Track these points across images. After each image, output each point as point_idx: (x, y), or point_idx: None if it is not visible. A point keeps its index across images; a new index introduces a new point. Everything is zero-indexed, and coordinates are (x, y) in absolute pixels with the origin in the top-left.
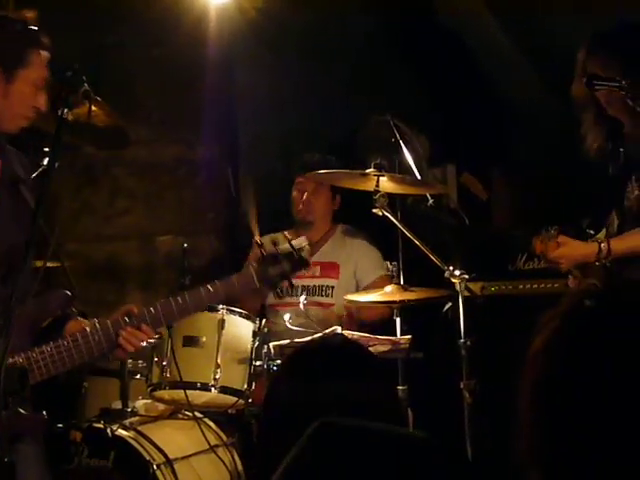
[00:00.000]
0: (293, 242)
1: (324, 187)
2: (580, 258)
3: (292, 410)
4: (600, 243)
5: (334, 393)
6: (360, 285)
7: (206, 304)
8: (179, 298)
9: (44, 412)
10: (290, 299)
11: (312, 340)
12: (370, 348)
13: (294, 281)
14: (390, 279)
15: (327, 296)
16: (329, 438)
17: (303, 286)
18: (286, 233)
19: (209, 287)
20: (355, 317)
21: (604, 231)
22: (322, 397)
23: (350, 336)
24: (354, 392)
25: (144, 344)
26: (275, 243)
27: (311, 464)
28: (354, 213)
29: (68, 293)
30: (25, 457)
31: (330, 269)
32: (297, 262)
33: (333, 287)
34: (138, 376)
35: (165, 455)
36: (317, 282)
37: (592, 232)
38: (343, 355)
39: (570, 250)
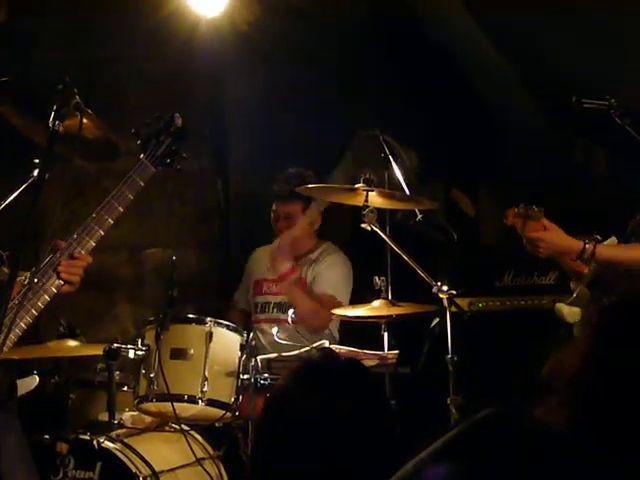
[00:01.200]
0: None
1: (300, 210)
2: (562, 249)
3: (296, 423)
4: (586, 243)
5: (339, 408)
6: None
7: (117, 207)
8: (93, 214)
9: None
10: (265, 315)
11: (313, 354)
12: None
13: (268, 298)
14: (337, 305)
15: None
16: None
17: (275, 303)
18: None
19: (114, 193)
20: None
21: (613, 239)
22: (327, 412)
23: (338, 350)
24: (359, 408)
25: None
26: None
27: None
28: (345, 228)
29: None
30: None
31: (300, 284)
32: (177, 132)
33: None
34: (125, 388)
35: (151, 468)
36: (286, 298)
37: (599, 237)
38: (345, 370)
39: (555, 237)
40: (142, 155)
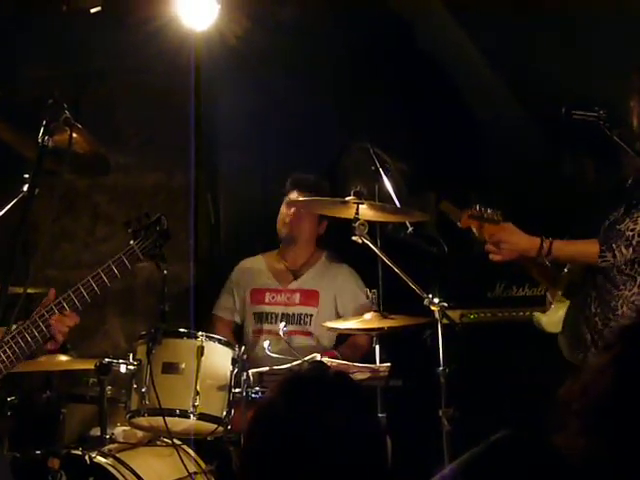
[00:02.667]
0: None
1: (308, 211)
2: (521, 250)
3: (282, 436)
4: (542, 240)
5: (327, 422)
6: (340, 315)
7: (106, 282)
8: (82, 282)
9: None
10: (269, 326)
11: (304, 367)
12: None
13: (273, 308)
14: (369, 307)
15: (305, 324)
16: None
17: (283, 313)
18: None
19: (104, 267)
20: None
21: None
22: (314, 425)
23: (330, 364)
24: (344, 421)
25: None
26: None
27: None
28: (337, 239)
29: None
30: None
31: (310, 297)
32: (162, 232)
33: (312, 315)
34: (117, 403)
35: None
36: (297, 310)
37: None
38: (334, 384)
39: (514, 238)
40: (132, 241)
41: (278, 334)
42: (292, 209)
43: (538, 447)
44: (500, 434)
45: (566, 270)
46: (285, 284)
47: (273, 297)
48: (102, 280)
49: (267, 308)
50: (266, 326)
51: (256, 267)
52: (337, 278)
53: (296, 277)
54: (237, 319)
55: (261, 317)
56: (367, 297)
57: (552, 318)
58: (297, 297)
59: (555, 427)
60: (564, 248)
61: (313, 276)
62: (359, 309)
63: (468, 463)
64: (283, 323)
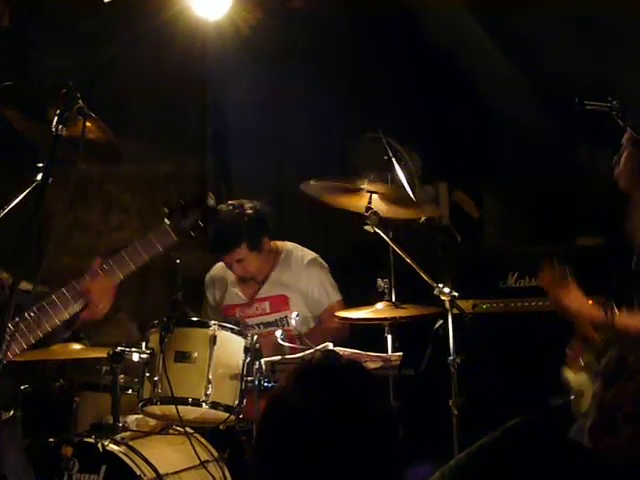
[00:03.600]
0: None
1: (247, 248)
2: (584, 317)
3: (295, 425)
4: (607, 312)
5: (339, 410)
6: (313, 315)
7: (131, 266)
8: (105, 266)
9: None
10: (262, 332)
11: (317, 356)
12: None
13: (248, 320)
14: (342, 305)
15: (284, 326)
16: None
17: (259, 323)
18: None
19: (128, 247)
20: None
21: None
22: (326, 414)
23: (342, 352)
24: (356, 410)
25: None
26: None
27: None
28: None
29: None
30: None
31: (279, 303)
32: (206, 210)
33: (286, 316)
34: (130, 391)
35: (156, 470)
36: (270, 318)
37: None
38: (347, 373)
39: (580, 305)
40: (166, 221)
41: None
42: (236, 267)
43: (552, 433)
44: (515, 420)
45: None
46: (252, 295)
47: (244, 310)
48: (126, 263)
49: (242, 321)
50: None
51: (224, 278)
52: (304, 278)
53: (260, 286)
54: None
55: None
56: (379, 287)
57: (581, 376)
58: (267, 306)
59: (602, 428)
60: (627, 321)
61: (277, 279)
62: (330, 310)
63: (484, 447)
64: (280, 331)
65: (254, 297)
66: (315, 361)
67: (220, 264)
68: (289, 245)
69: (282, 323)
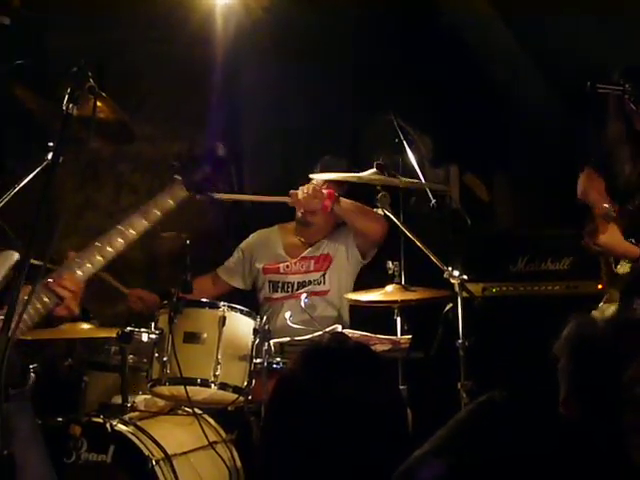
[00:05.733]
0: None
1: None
2: (621, 251)
3: (303, 406)
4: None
5: (346, 393)
6: (355, 270)
7: (145, 224)
8: (119, 226)
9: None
10: (286, 294)
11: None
12: (370, 347)
13: (288, 277)
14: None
15: (320, 284)
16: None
17: (299, 282)
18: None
19: (141, 208)
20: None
21: None
22: (334, 396)
23: (351, 335)
24: (366, 392)
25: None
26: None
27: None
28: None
29: (15, 254)
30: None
31: (324, 261)
32: (217, 161)
33: (324, 274)
34: (138, 371)
35: (164, 451)
36: (311, 277)
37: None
38: (354, 355)
39: (617, 240)
40: (177, 176)
41: (297, 302)
42: (314, 198)
43: (521, 408)
44: (483, 397)
45: (627, 270)
46: (297, 255)
47: (288, 266)
48: (140, 222)
49: (282, 277)
50: (283, 294)
51: (271, 237)
52: (344, 232)
53: (307, 247)
54: (239, 284)
55: (276, 286)
56: (389, 269)
57: (602, 315)
58: (312, 264)
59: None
60: None
61: (327, 244)
62: None
63: (452, 428)
64: (304, 295)
65: (299, 255)
66: (323, 344)
67: (266, 229)
68: (343, 227)
69: (320, 281)
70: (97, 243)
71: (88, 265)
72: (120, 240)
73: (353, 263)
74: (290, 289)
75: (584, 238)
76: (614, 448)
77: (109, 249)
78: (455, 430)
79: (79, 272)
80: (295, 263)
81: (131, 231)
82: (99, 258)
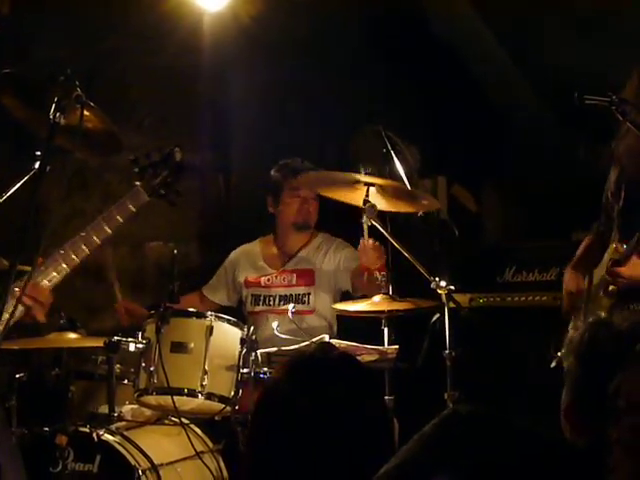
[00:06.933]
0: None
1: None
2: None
3: (287, 416)
4: None
5: (330, 402)
6: (340, 288)
7: (108, 231)
8: (83, 233)
9: None
10: (270, 307)
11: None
12: (357, 357)
13: (270, 291)
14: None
15: (304, 303)
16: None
17: (281, 295)
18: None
19: (103, 214)
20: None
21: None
22: (317, 405)
23: (338, 345)
24: (350, 402)
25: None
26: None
27: (438, 447)
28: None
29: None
30: None
31: (305, 276)
32: (175, 166)
33: (309, 294)
34: (125, 381)
35: (151, 460)
36: (293, 291)
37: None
38: (339, 365)
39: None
40: (138, 182)
41: (282, 314)
42: (307, 200)
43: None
44: (447, 410)
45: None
46: (278, 267)
47: (269, 280)
48: (102, 229)
49: (264, 291)
50: (265, 307)
51: (253, 251)
52: (332, 254)
53: (290, 259)
54: (223, 300)
55: (258, 299)
56: (377, 280)
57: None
58: (293, 278)
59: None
60: None
61: (306, 255)
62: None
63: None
64: (292, 305)
65: (280, 268)
66: (308, 354)
67: (242, 247)
68: (323, 233)
69: (304, 300)
70: (61, 251)
71: (54, 274)
72: (84, 247)
73: (339, 289)
74: (272, 302)
75: (607, 274)
76: (592, 464)
77: (74, 257)
78: (420, 444)
79: (46, 281)
80: (276, 276)
81: (94, 238)
82: (64, 266)
